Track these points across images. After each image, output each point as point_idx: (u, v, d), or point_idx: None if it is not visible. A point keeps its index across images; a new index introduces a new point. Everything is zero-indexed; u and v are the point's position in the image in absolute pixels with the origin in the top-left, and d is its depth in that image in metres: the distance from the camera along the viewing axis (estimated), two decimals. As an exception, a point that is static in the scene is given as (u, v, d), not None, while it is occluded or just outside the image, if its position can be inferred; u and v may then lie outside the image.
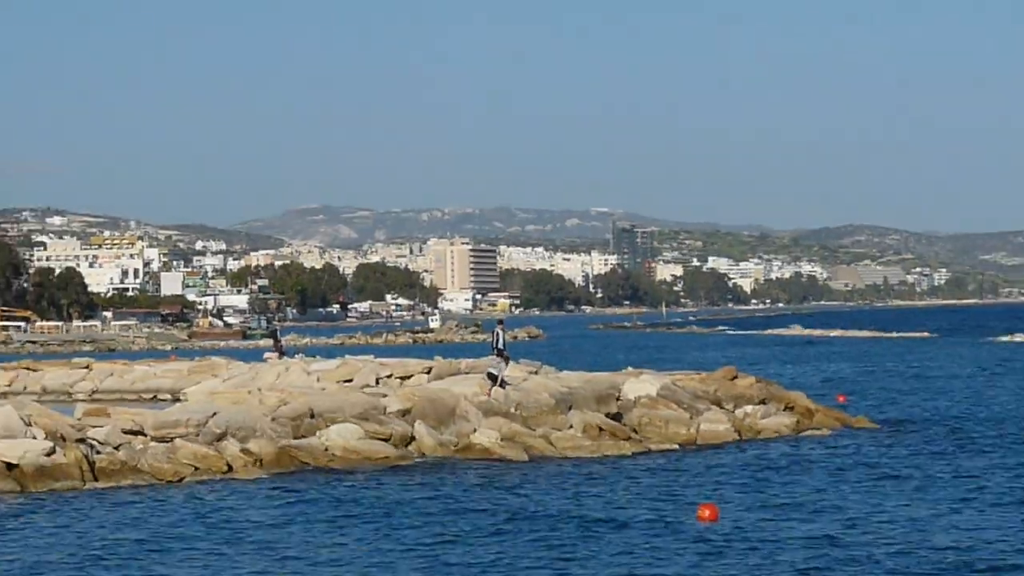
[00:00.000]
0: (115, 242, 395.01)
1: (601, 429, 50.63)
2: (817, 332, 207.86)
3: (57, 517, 36.38)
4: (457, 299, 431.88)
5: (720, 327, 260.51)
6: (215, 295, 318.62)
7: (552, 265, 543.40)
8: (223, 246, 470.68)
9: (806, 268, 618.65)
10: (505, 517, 35.79)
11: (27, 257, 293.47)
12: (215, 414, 46.82)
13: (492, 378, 52.62)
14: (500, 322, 64.98)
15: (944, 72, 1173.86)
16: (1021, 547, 31.08)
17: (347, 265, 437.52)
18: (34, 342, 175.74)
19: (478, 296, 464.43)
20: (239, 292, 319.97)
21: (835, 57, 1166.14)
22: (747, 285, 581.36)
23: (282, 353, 73.95)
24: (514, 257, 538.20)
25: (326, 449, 45.63)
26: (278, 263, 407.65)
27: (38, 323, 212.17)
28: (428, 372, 55.11)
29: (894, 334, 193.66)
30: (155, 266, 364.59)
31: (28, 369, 71.15)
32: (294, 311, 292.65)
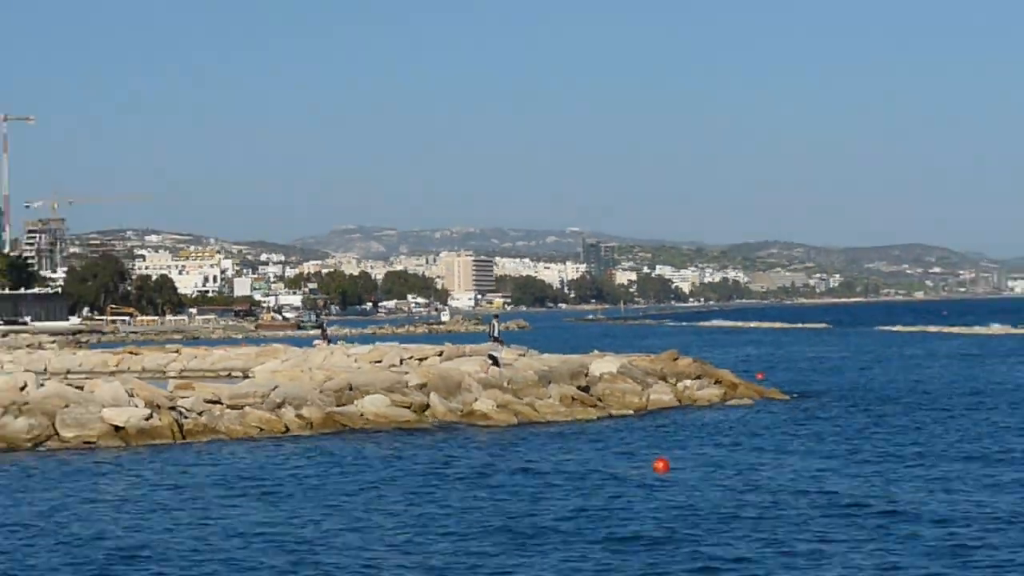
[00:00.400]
0: (198, 255, 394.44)
1: (573, 399, 50.79)
2: (739, 324, 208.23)
3: (154, 464, 36.61)
4: (462, 299, 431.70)
5: (665, 320, 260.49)
6: (276, 296, 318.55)
7: (536, 272, 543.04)
8: (282, 258, 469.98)
9: (731, 274, 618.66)
10: (495, 468, 35.81)
11: (130, 267, 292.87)
12: (276, 387, 46.96)
13: (493, 359, 52.98)
14: (495, 316, 65.37)
15: (839, 111, 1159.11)
16: (898, 489, 31.09)
17: (378, 272, 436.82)
18: (136, 332, 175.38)
19: (479, 296, 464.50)
20: (294, 293, 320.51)
21: (749, 98, 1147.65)
22: (686, 287, 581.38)
23: (328, 340, 73.77)
24: (506, 266, 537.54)
25: (361, 414, 45.72)
26: (324, 271, 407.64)
27: (139, 318, 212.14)
28: (440, 355, 55.04)
29: (799, 325, 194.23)
30: (229, 273, 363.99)
31: (131, 353, 71.03)
32: (337, 308, 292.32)
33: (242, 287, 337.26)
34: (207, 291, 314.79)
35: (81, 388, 46.32)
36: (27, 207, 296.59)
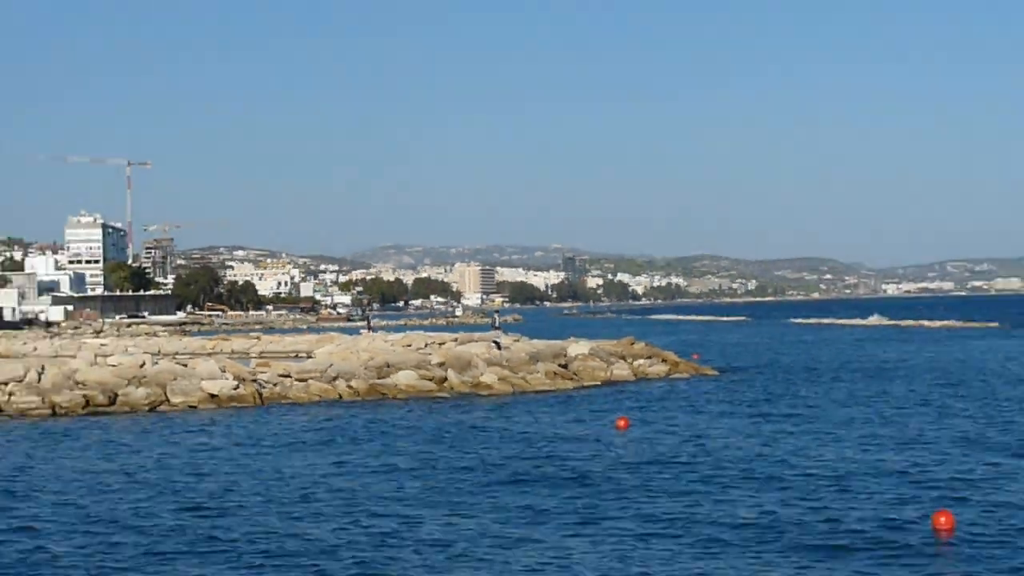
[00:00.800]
0: (273, 265, 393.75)
1: (555, 373, 50.69)
2: (679, 317, 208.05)
3: (240, 423, 36.68)
4: (471, 298, 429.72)
5: (623, 314, 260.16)
6: (332, 296, 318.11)
7: (527, 278, 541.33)
8: (337, 268, 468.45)
9: (674, 280, 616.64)
10: (492, 425, 35.92)
11: (222, 275, 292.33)
12: (331, 365, 46.97)
13: (496, 344, 53.16)
14: (496, 312, 65.67)
15: (756, 150, 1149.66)
16: (797, 441, 31.22)
17: (408, 279, 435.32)
18: (226, 324, 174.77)
19: (484, 296, 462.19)
20: (346, 294, 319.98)
21: (686, 139, 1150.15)
22: (640, 290, 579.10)
23: (371, 329, 73.88)
24: (505, 274, 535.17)
25: (396, 385, 45.62)
26: (368, 277, 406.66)
27: (229, 313, 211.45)
28: (455, 340, 55.02)
29: (724, 318, 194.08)
30: (296, 279, 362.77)
31: (223, 339, 71.00)
32: (377, 305, 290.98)
33: (306, 289, 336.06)
34: (280, 292, 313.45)
35: (185, 365, 46.64)
36: (145, 230, 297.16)
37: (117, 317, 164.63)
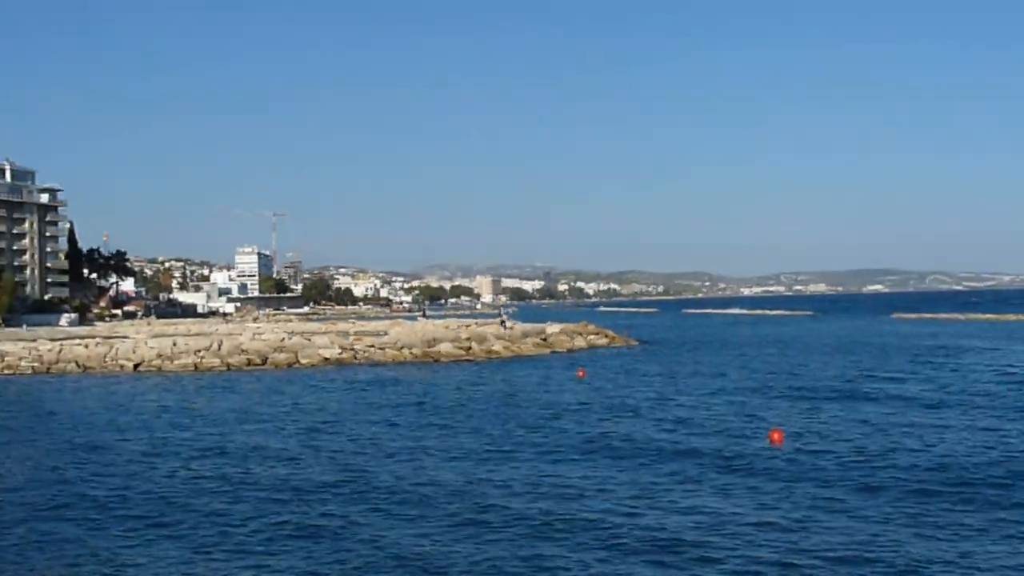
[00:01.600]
0: (363, 277, 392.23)
1: (538, 344, 50.54)
2: (616, 310, 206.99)
3: (344, 375, 36.29)
4: (486, 298, 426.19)
5: (581, 308, 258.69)
6: (399, 296, 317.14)
7: (520, 284, 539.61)
8: (403, 279, 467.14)
9: (613, 285, 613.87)
10: (496, 377, 35.60)
11: (331, 284, 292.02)
12: (399, 339, 46.88)
13: (503, 324, 53.07)
14: (501, 307, 65.22)
15: (658, 185, 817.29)
16: (695, 391, 30.94)
17: (447, 285, 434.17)
18: (334, 314, 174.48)
19: (494, 297, 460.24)
20: (408, 295, 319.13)
21: (612, 180, 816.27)
22: (591, 292, 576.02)
23: (425, 317, 73.67)
24: (507, 282, 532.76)
25: (439, 352, 45.31)
26: (422, 285, 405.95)
27: (336, 307, 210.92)
28: (476, 324, 54.87)
29: (643, 310, 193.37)
30: (378, 286, 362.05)
31: (332, 324, 71.04)
32: (428, 302, 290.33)
33: (384, 292, 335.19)
34: (367, 294, 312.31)
35: (309, 340, 46.65)
36: (285, 256, 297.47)
37: (267, 310, 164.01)
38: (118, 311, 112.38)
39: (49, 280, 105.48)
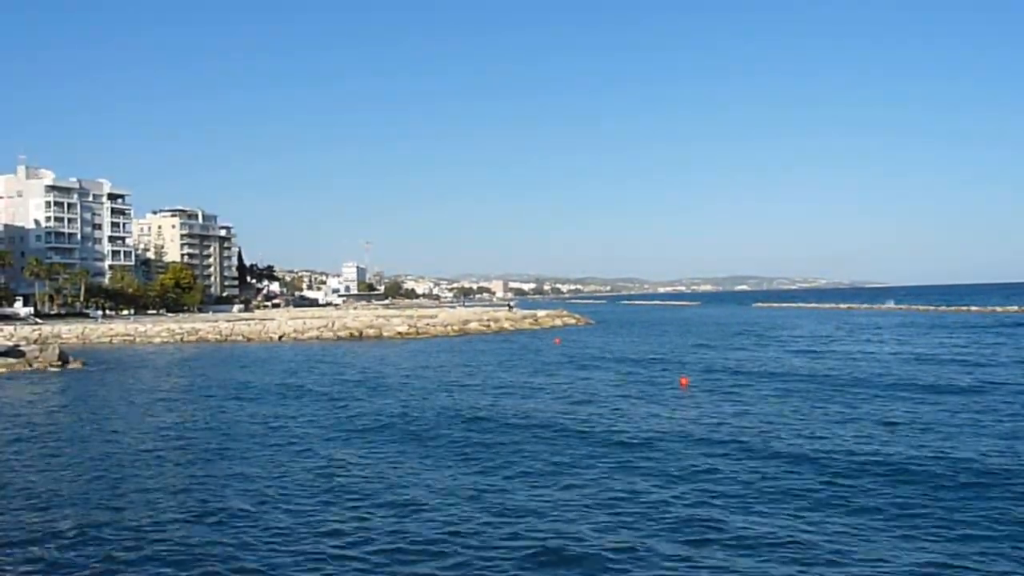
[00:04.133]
0: (422, 281, 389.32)
1: (532, 323, 49.31)
2: (578, 301, 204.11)
3: (408, 345, 35.36)
4: (499, 295, 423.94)
5: (558, 302, 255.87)
6: (445, 294, 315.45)
7: (521, 287, 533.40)
8: (448, 282, 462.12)
9: (578, 286, 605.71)
10: (504, 342, 34.54)
11: (403, 285, 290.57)
12: (444, 319, 46.09)
13: (510, 309, 52.10)
14: (509, 301, 64.03)
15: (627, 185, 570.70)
16: (641, 349, 29.51)
17: (475, 286, 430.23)
18: (404, 304, 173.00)
19: (504, 294, 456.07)
20: (451, 293, 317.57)
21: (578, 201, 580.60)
22: (566, 291, 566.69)
23: (463, 306, 72.58)
24: (512, 285, 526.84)
25: (469, 328, 44.25)
26: (459, 286, 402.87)
27: (405, 301, 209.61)
28: (493, 310, 53.83)
29: (597, 302, 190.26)
30: (432, 287, 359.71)
31: (402, 310, 70.07)
32: (463, 297, 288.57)
33: (435, 291, 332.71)
34: (425, 292, 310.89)
35: (388, 320, 45.94)
36: (374, 268, 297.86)
37: (362, 303, 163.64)
38: (268, 303, 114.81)
39: (225, 284, 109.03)
